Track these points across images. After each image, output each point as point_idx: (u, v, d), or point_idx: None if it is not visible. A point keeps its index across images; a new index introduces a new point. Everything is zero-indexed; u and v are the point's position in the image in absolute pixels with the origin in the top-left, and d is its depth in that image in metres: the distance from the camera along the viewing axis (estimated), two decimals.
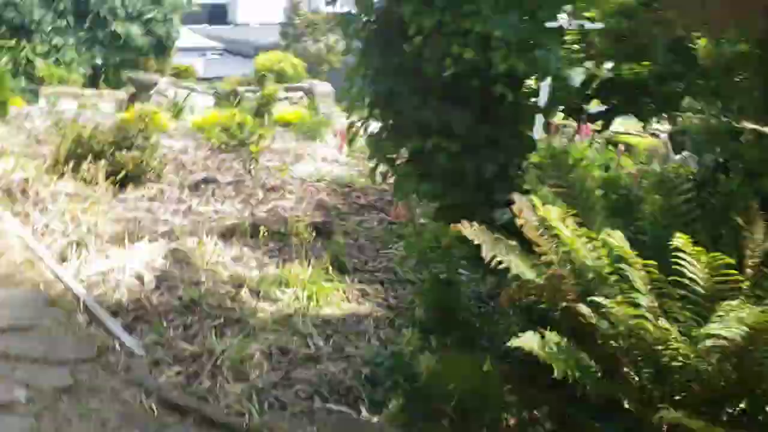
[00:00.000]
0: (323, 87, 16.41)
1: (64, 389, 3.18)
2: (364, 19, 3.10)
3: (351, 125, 3.37)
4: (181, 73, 20.58)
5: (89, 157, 5.91)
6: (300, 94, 15.61)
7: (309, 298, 4.40)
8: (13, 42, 13.38)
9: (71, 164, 5.92)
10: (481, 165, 3.13)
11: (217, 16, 33.74)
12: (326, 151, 8.67)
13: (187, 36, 24.13)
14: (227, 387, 3.36)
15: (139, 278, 4.42)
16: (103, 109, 10.99)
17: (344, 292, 4.59)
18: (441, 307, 3.78)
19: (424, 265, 4.70)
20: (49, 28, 14.05)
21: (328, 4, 3.48)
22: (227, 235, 5.33)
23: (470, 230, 2.37)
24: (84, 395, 3.16)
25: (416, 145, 3.07)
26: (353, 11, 3.18)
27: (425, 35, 2.87)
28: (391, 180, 4.76)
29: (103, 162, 5.84)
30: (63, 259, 4.61)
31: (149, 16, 15.66)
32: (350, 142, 3.55)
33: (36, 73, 13.16)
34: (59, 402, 3.08)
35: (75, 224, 5.11)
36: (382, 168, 3.37)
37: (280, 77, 14.50)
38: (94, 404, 3.10)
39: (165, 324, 3.91)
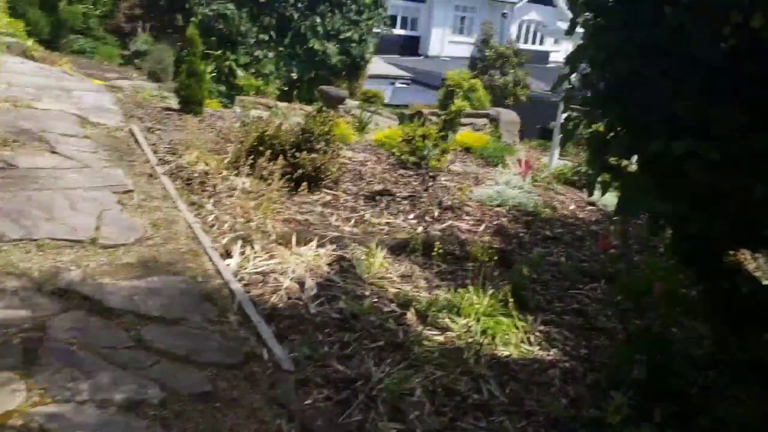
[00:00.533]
0: (509, 115, 15.75)
1: (202, 396, 2.78)
2: None
3: (568, 120, 2.68)
4: (369, 98, 21.08)
5: (269, 155, 5.72)
6: (484, 121, 15.08)
7: (483, 332, 3.74)
8: (219, 52, 14.26)
9: (251, 161, 5.77)
10: (747, 182, 2.29)
11: (409, 48, 34.56)
12: (508, 177, 7.96)
13: (378, 64, 24.77)
14: (380, 425, 2.78)
15: (300, 283, 4.03)
16: (291, 120, 11.17)
17: (525, 333, 3.86)
18: (652, 368, 2.98)
19: (635, 313, 3.87)
20: (253, 41, 14.81)
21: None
22: (398, 249, 4.83)
23: None
24: (221, 407, 2.73)
25: (658, 147, 2.30)
26: None
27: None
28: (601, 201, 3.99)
29: (282, 161, 5.62)
30: (227, 253, 4.35)
31: (346, 35, 16.02)
32: (563, 143, 2.84)
33: (236, 82, 13.87)
34: (193, 411, 2.67)
35: (245, 220, 4.89)
36: (602, 178, 2.62)
37: (468, 97, 14.05)
38: (230, 419, 2.66)
39: (320, 337, 3.44)
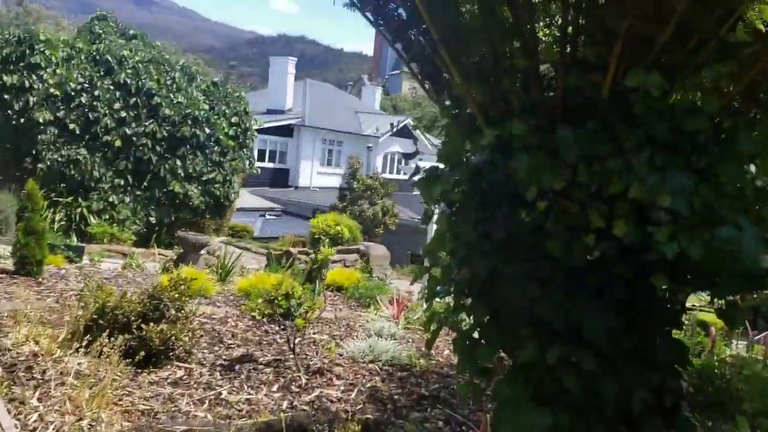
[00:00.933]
0: (378, 250, 15.82)
1: None
2: (456, 177, 2.24)
3: (431, 318, 2.41)
4: (237, 232, 20.63)
5: (112, 330, 5.09)
6: (354, 256, 15.01)
7: None
8: (69, 199, 13.38)
9: (91, 337, 5.07)
10: (626, 389, 2.08)
11: (279, 179, 34.93)
12: (381, 324, 7.68)
13: (247, 197, 24.60)
14: None
15: None
16: (148, 269, 10.45)
17: None
18: None
19: None
20: (107, 186, 14.09)
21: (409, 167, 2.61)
22: None
23: None
24: None
25: (529, 355, 2.06)
26: (439, 167, 2.34)
27: (550, 200, 1.97)
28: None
29: (125, 336, 4.99)
30: None
31: (209, 176, 15.67)
32: (429, 346, 2.55)
33: (88, 230, 12.95)
34: None
35: (76, 417, 4.15)
36: (477, 381, 2.34)
37: (335, 240, 14.02)
38: None
39: None
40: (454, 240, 2.30)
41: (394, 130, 38.49)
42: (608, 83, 2.04)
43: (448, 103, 2.29)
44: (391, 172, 38.11)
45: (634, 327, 2.12)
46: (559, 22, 2.04)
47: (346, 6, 2.52)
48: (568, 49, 2.06)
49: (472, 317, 2.32)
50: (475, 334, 2.37)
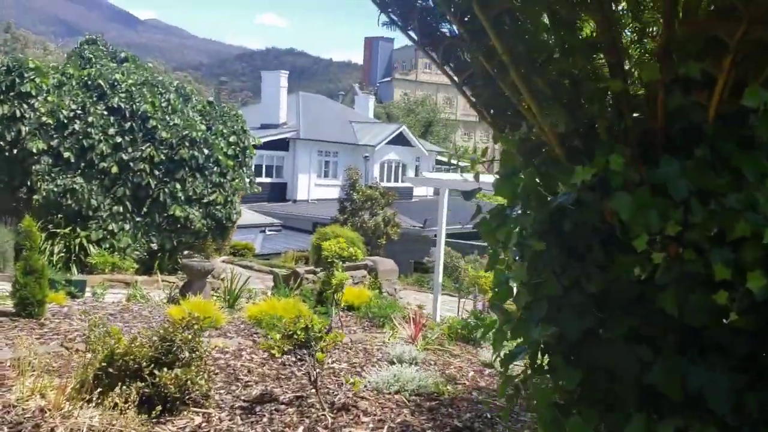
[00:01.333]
0: (386, 265, 15.48)
1: None
2: (533, 217, 1.91)
3: (506, 381, 2.07)
4: (239, 251, 20.25)
5: (123, 379, 4.75)
6: (362, 272, 14.66)
7: None
8: (68, 229, 13.00)
9: (101, 387, 4.73)
10: None
11: (277, 194, 34.64)
12: (400, 348, 7.34)
13: (247, 214, 24.25)
14: None
15: None
16: (154, 300, 10.10)
17: None
18: None
19: None
20: (106, 214, 13.71)
21: None
22: None
23: None
24: None
25: (637, 428, 1.72)
26: (509, 206, 2.01)
27: (659, 246, 1.64)
28: None
29: (138, 385, 4.65)
30: None
31: (210, 198, 15.31)
32: (505, 414, 2.21)
33: (89, 261, 12.58)
34: None
35: None
36: None
37: (343, 258, 13.71)
38: None
39: None
40: (532, 292, 1.97)
41: (390, 138, 38.25)
42: (715, 103, 1.72)
43: (524, 130, 1.96)
44: (389, 181, 37.83)
45: (756, 385, 1.79)
46: (654, 32, 1.72)
47: (385, 25, 2.20)
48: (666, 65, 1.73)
49: (560, 386, 1.99)
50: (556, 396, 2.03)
